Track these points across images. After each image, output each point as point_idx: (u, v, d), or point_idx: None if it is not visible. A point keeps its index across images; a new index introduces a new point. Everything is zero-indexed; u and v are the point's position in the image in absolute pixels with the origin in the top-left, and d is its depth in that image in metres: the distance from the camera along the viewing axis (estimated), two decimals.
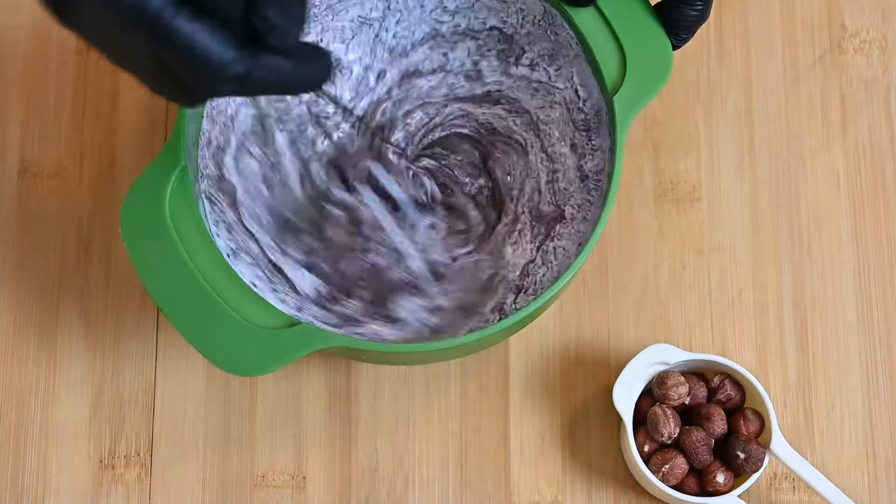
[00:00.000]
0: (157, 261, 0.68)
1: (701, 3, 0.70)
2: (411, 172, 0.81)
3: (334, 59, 0.58)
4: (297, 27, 0.56)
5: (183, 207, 0.68)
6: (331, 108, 0.79)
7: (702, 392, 0.78)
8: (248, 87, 0.55)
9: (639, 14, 0.72)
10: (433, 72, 0.81)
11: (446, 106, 0.82)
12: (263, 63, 0.55)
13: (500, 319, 0.71)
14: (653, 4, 0.72)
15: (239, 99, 0.77)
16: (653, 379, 0.78)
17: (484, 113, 0.81)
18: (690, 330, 0.82)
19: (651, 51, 0.71)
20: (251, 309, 0.67)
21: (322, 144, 0.80)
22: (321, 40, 0.78)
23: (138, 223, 0.68)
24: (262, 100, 0.75)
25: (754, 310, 0.83)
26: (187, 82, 0.55)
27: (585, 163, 0.77)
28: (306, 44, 0.57)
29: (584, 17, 0.72)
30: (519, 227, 0.80)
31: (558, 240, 0.77)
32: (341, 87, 0.80)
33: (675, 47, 0.72)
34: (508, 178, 0.81)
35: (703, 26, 0.72)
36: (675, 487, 0.76)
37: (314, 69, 0.58)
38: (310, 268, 0.77)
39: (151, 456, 0.80)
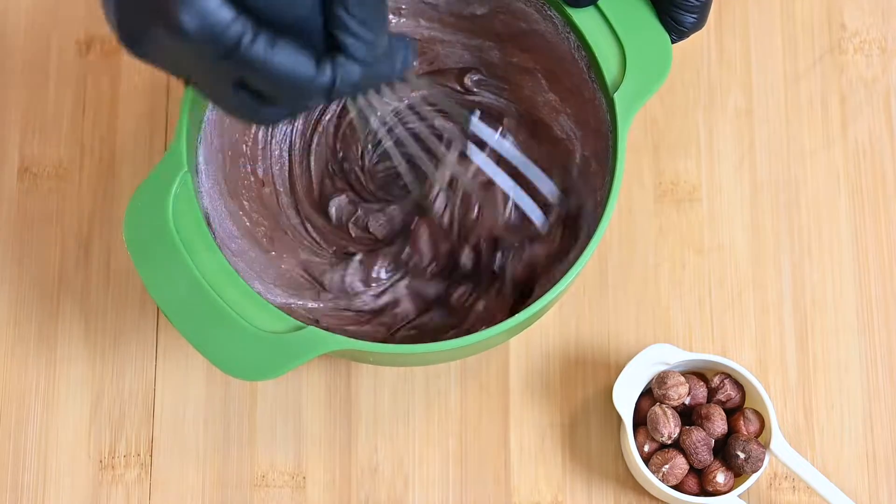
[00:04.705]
0: (161, 267, 0.67)
1: (698, 10, 0.70)
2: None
3: (414, 41, 0.58)
4: (381, 37, 0.55)
5: (186, 212, 0.68)
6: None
7: (702, 392, 0.78)
8: (336, 94, 0.55)
9: (638, 11, 0.72)
10: None
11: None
12: (347, 70, 0.54)
13: None
14: None
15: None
16: (653, 379, 0.78)
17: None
18: (690, 330, 0.82)
19: (651, 47, 0.71)
20: (256, 314, 0.67)
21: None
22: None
23: (142, 230, 0.68)
24: None
25: (754, 310, 0.83)
26: (275, 101, 0.55)
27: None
28: (386, 34, 0.57)
29: (584, 16, 0.72)
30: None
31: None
32: None
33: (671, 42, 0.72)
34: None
35: (704, 26, 0.72)
36: (675, 487, 0.76)
37: (396, 63, 0.57)
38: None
39: (151, 456, 0.80)
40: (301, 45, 0.53)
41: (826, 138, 0.86)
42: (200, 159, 0.73)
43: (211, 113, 0.74)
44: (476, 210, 0.78)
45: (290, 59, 0.52)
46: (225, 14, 0.50)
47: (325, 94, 0.54)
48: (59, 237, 0.84)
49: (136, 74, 0.86)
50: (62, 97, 0.86)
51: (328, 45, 0.54)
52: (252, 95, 0.55)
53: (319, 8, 0.54)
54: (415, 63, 0.59)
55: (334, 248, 0.81)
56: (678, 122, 0.86)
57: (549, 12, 0.74)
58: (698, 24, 0.71)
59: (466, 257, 0.79)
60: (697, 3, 0.70)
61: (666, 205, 0.84)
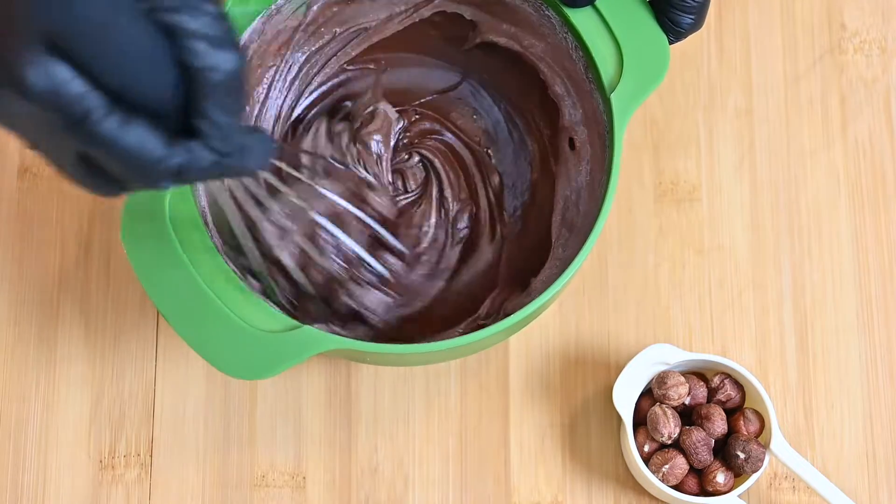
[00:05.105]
0: (158, 268, 0.67)
1: (696, 11, 0.70)
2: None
3: (273, 141, 0.57)
4: (238, 133, 0.53)
5: (184, 212, 0.68)
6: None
7: (702, 392, 0.78)
8: (183, 179, 0.53)
9: (636, 12, 0.72)
10: None
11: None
12: (199, 156, 0.52)
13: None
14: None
15: None
16: (653, 379, 0.78)
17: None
18: (690, 330, 0.82)
19: (648, 48, 0.71)
20: (253, 313, 0.67)
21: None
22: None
23: (139, 229, 0.68)
24: None
25: (754, 310, 0.83)
26: (120, 178, 0.53)
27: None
28: (245, 128, 0.55)
29: (581, 16, 0.72)
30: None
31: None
32: None
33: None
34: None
35: (704, 26, 0.72)
36: (675, 487, 0.76)
37: (251, 160, 0.55)
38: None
39: (151, 456, 0.80)
40: (153, 126, 0.51)
41: (826, 138, 0.86)
42: None
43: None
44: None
45: (140, 140, 0.50)
46: (75, 86, 0.49)
47: (173, 177, 0.52)
48: (59, 237, 0.84)
49: None
50: None
51: (182, 127, 0.52)
52: (95, 170, 0.52)
53: (179, 89, 0.52)
54: (269, 164, 0.57)
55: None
56: (678, 122, 0.86)
57: (546, 12, 0.74)
58: (696, 25, 0.71)
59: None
60: (695, 4, 0.70)
61: (666, 205, 0.84)
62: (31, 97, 0.48)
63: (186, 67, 0.51)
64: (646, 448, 0.77)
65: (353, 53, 0.82)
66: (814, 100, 0.86)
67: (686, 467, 0.76)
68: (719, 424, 0.77)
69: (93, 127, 0.49)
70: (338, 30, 0.79)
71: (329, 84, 0.83)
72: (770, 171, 0.85)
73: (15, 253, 0.84)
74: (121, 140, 0.50)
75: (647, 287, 0.83)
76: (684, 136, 0.86)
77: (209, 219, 0.73)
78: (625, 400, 0.77)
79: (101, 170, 0.52)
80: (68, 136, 0.50)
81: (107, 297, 0.83)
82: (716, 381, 0.78)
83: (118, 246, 0.83)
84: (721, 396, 0.78)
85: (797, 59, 0.87)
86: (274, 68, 0.78)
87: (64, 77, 0.48)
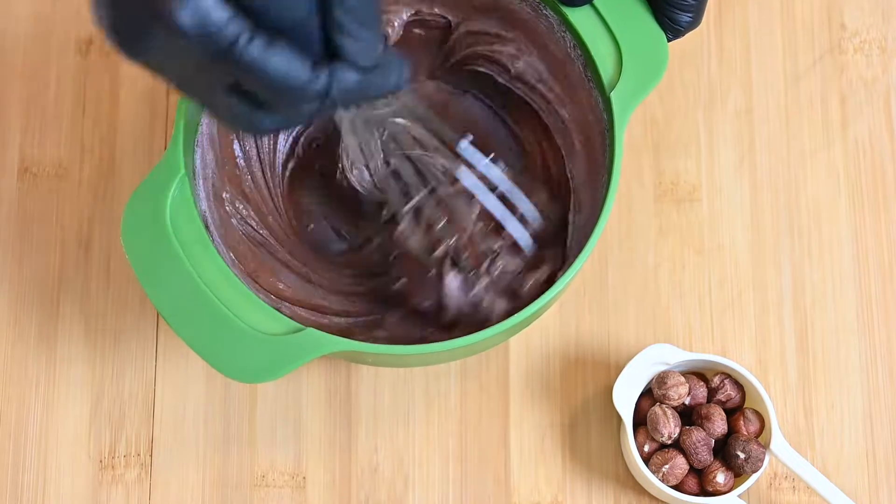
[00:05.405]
0: (160, 271, 0.67)
1: (694, 10, 0.70)
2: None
3: (409, 65, 0.58)
4: (377, 42, 0.55)
5: (184, 216, 0.68)
6: None
7: (702, 392, 0.78)
8: (330, 102, 0.54)
9: (634, 10, 0.72)
10: None
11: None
12: (343, 76, 0.54)
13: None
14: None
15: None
16: (653, 379, 0.78)
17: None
18: (690, 330, 0.82)
19: (647, 46, 0.71)
20: (255, 316, 0.67)
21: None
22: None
23: (140, 233, 0.68)
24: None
25: (754, 310, 0.83)
26: (268, 107, 0.54)
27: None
28: (383, 47, 0.56)
29: (579, 15, 0.72)
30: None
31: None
32: None
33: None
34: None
35: (704, 26, 0.72)
36: (675, 487, 0.76)
37: (391, 78, 0.56)
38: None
39: (151, 456, 0.80)
40: (298, 49, 0.52)
41: (826, 138, 0.86)
42: (198, 162, 0.73)
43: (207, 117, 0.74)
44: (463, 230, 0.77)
45: (285, 62, 0.52)
46: (221, 13, 0.50)
47: (320, 100, 0.53)
48: (59, 237, 0.84)
49: (137, 74, 0.86)
50: (62, 97, 0.86)
51: (326, 53, 0.54)
52: (245, 101, 0.54)
53: (317, 11, 0.53)
54: (408, 83, 0.58)
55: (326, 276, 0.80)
56: (678, 122, 0.86)
57: (544, 11, 0.74)
58: (694, 22, 0.71)
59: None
60: (693, 3, 0.70)
61: (666, 205, 0.84)
62: (180, 30, 0.49)
63: None
64: (646, 448, 0.77)
65: None
66: (814, 100, 0.86)
67: (686, 467, 0.76)
68: (719, 424, 0.77)
69: (240, 52, 0.50)
70: None
71: None
72: (770, 171, 0.85)
73: (15, 253, 0.84)
74: (267, 63, 0.51)
75: (647, 287, 0.83)
76: (684, 135, 0.86)
77: (209, 220, 0.73)
78: (625, 400, 0.77)
79: (252, 103, 0.54)
80: (216, 66, 0.51)
81: (107, 297, 0.83)
82: (716, 381, 0.78)
83: (118, 246, 0.83)
84: (721, 396, 0.78)
85: (797, 58, 0.87)
86: None
87: (209, 6, 0.49)
